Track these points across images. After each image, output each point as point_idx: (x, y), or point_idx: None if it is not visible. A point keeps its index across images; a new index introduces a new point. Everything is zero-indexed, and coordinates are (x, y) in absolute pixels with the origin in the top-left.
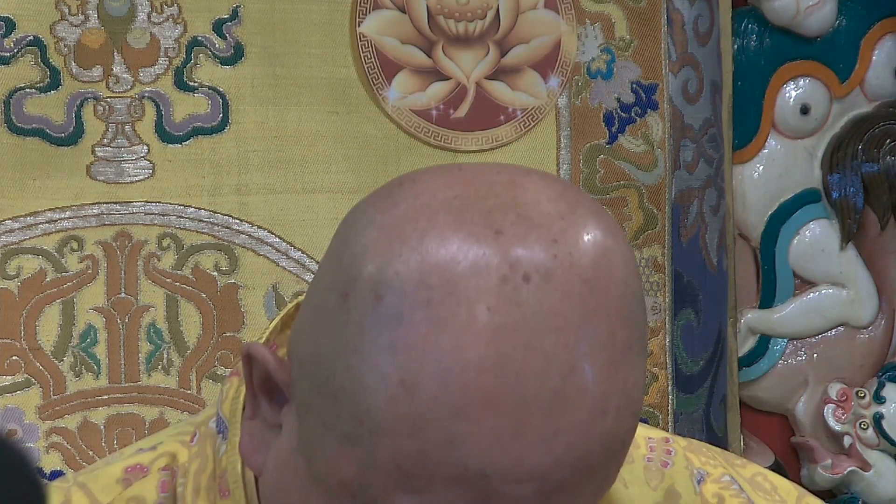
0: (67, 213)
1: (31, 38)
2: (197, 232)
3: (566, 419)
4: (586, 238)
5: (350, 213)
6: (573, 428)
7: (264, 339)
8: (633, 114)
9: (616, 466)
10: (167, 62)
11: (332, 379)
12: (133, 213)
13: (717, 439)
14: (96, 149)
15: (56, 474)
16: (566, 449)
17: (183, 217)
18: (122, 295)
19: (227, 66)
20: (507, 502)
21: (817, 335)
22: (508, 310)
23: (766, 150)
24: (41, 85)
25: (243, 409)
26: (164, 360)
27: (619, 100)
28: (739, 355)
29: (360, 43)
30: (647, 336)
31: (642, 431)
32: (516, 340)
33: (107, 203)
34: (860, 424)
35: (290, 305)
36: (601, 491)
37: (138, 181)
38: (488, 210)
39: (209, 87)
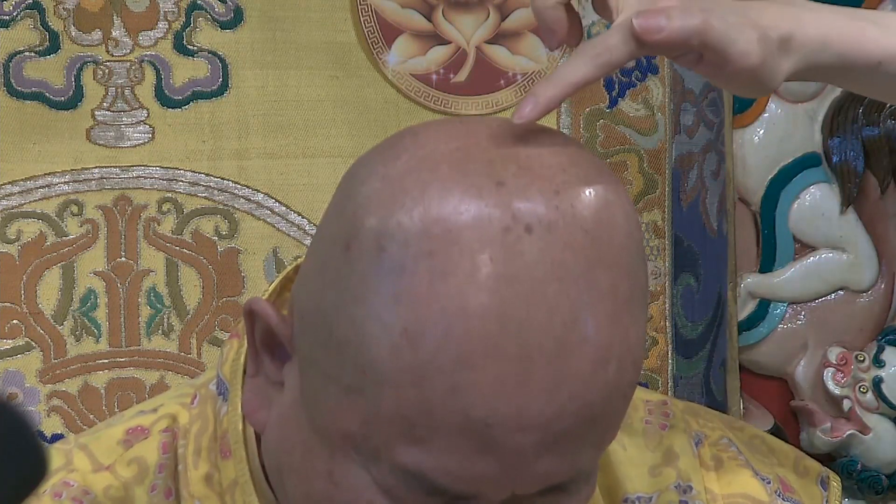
0: (67, 177)
1: (30, 1)
2: (197, 196)
3: (569, 369)
4: (588, 190)
5: (353, 166)
6: (576, 378)
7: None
8: (633, 78)
9: (617, 419)
10: (167, 26)
11: (335, 331)
12: (133, 177)
13: (717, 403)
14: (96, 113)
15: (57, 437)
16: (569, 399)
17: (183, 181)
18: (123, 259)
19: (227, 30)
20: (510, 452)
21: (817, 299)
22: (511, 260)
23: (766, 115)
24: (40, 48)
25: (244, 370)
26: (165, 325)
27: None
28: (739, 319)
29: (359, 6)
30: (648, 289)
31: (640, 394)
32: (519, 290)
33: (107, 167)
34: (860, 388)
35: (289, 268)
36: (602, 444)
37: (138, 145)
38: (490, 161)
39: (209, 51)
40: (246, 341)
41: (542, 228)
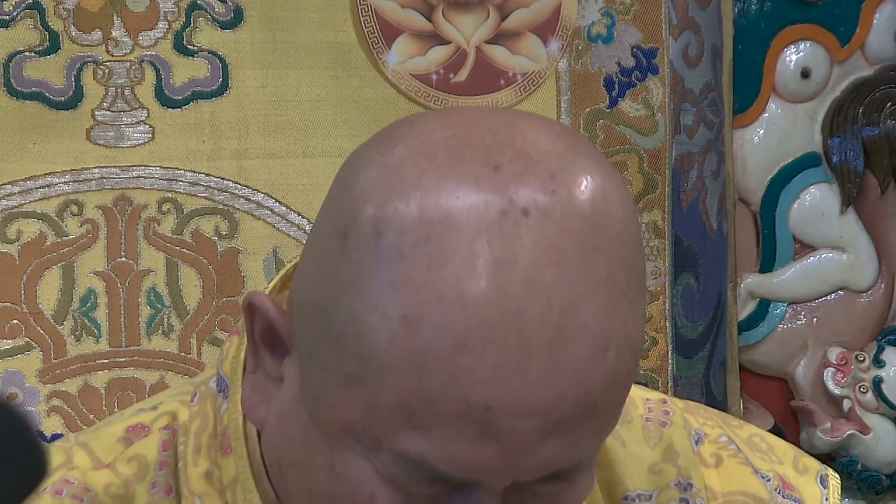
0: (67, 177)
1: (31, 1)
2: (197, 196)
3: (567, 356)
4: (585, 177)
5: (349, 158)
6: (575, 364)
7: None
8: (633, 78)
9: (617, 407)
10: (167, 26)
11: (334, 323)
12: (133, 177)
13: (717, 403)
14: (96, 113)
15: (57, 438)
16: (568, 385)
17: (183, 181)
18: (123, 259)
19: (227, 30)
20: (511, 438)
21: (817, 299)
22: (508, 244)
23: (766, 115)
24: (40, 48)
25: (244, 367)
26: (165, 325)
27: (619, 64)
28: (739, 319)
29: (360, 6)
30: (646, 278)
31: (640, 392)
32: (516, 275)
33: (107, 167)
34: (859, 388)
35: (289, 265)
36: (602, 432)
37: (138, 145)
38: (486, 148)
39: (209, 51)
40: (246, 337)
41: (538, 212)
